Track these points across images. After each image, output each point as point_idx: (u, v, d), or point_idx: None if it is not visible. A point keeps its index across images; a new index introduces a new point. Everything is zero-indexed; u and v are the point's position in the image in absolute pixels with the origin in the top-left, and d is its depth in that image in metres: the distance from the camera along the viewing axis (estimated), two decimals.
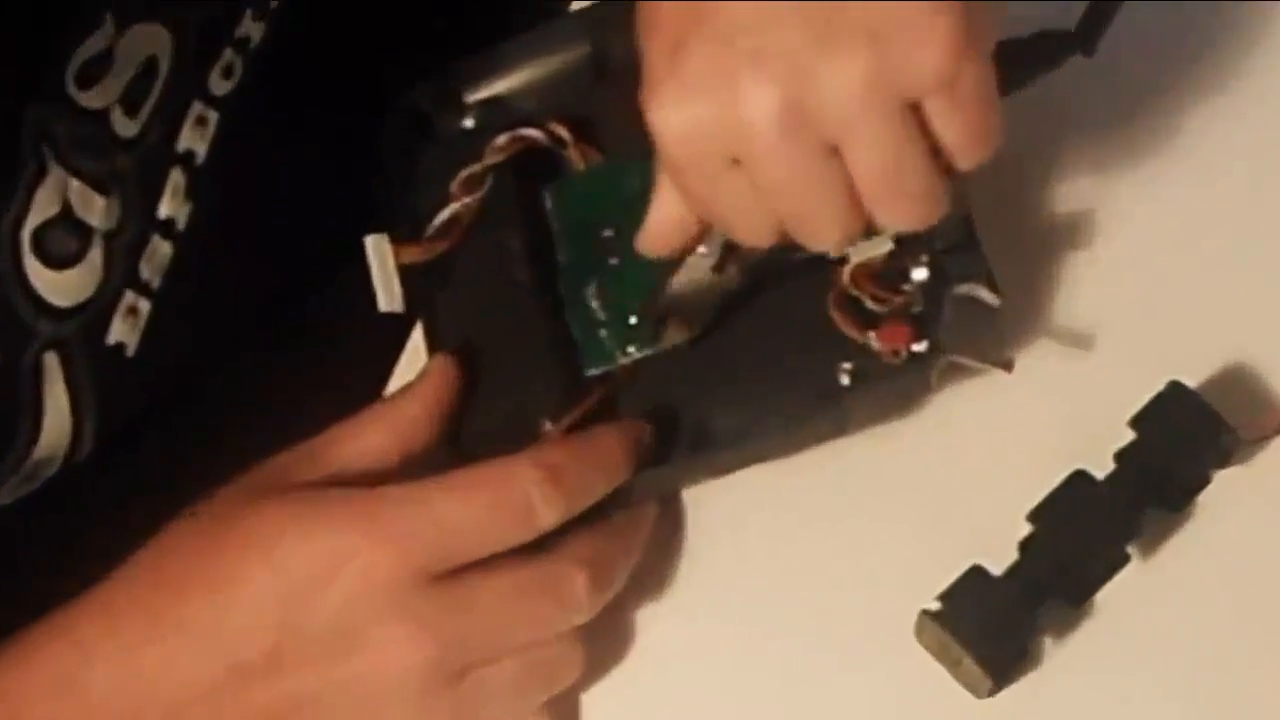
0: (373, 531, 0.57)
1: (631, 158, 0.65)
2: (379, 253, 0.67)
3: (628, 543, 0.63)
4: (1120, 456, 0.62)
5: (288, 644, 0.57)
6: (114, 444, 0.70)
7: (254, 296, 0.78)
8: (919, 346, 0.62)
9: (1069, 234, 0.71)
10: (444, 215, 0.69)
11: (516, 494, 0.57)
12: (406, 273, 0.68)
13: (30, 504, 0.67)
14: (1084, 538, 0.62)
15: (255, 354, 0.78)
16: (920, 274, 0.62)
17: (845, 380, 0.63)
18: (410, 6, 0.81)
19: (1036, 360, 0.67)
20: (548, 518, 0.57)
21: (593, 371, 0.66)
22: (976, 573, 0.59)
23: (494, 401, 0.66)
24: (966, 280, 0.62)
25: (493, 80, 0.75)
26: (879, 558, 0.65)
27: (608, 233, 0.69)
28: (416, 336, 0.71)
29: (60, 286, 0.65)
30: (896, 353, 0.62)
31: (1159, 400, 0.63)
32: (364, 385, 0.71)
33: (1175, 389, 0.63)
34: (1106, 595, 0.62)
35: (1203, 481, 0.63)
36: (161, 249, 0.69)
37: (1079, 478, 0.61)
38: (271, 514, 0.58)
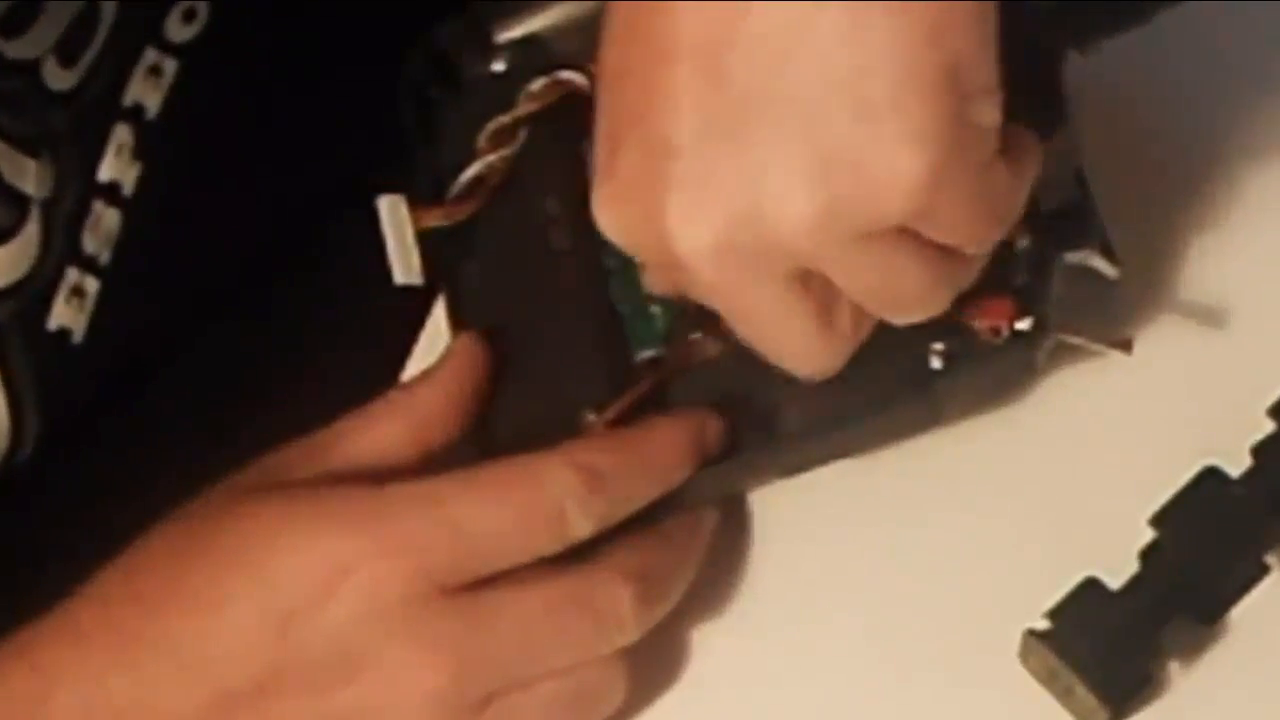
0: (380, 537, 0.53)
1: None
2: (395, 217, 0.62)
3: (683, 553, 0.58)
4: (1258, 451, 0.58)
5: (282, 670, 0.53)
6: (61, 442, 0.67)
7: (224, 271, 0.74)
8: (1023, 324, 0.57)
9: (1201, 194, 0.66)
10: (470, 173, 0.65)
11: (548, 498, 0.53)
12: (426, 239, 0.62)
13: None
14: (1216, 545, 0.57)
15: (232, 337, 0.75)
16: (1024, 240, 0.57)
17: (938, 363, 0.58)
18: None
19: (1160, 341, 0.62)
20: (583, 527, 0.53)
21: (644, 354, 0.61)
22: (1091, 586, 0.55)
23: (527, 389, 0.61)
24: (1079, 247, 0.58)
25: (526, 17, 0.69)
26: (976, 570, 0.60)
27: None
28: (438, 313, 0.67)
29: None
30: (997, 331, 0.57)
31: None
32: (376, 370, 0.66)
33: None
34: (1242, 612, 0.57)
35: None
36: (107, 217, 0.66)
37: (1210, 476, 0.57)
38: (264, 517, 0.55)
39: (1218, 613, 0.57)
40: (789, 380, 0.58)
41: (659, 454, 0.56)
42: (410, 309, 0.67)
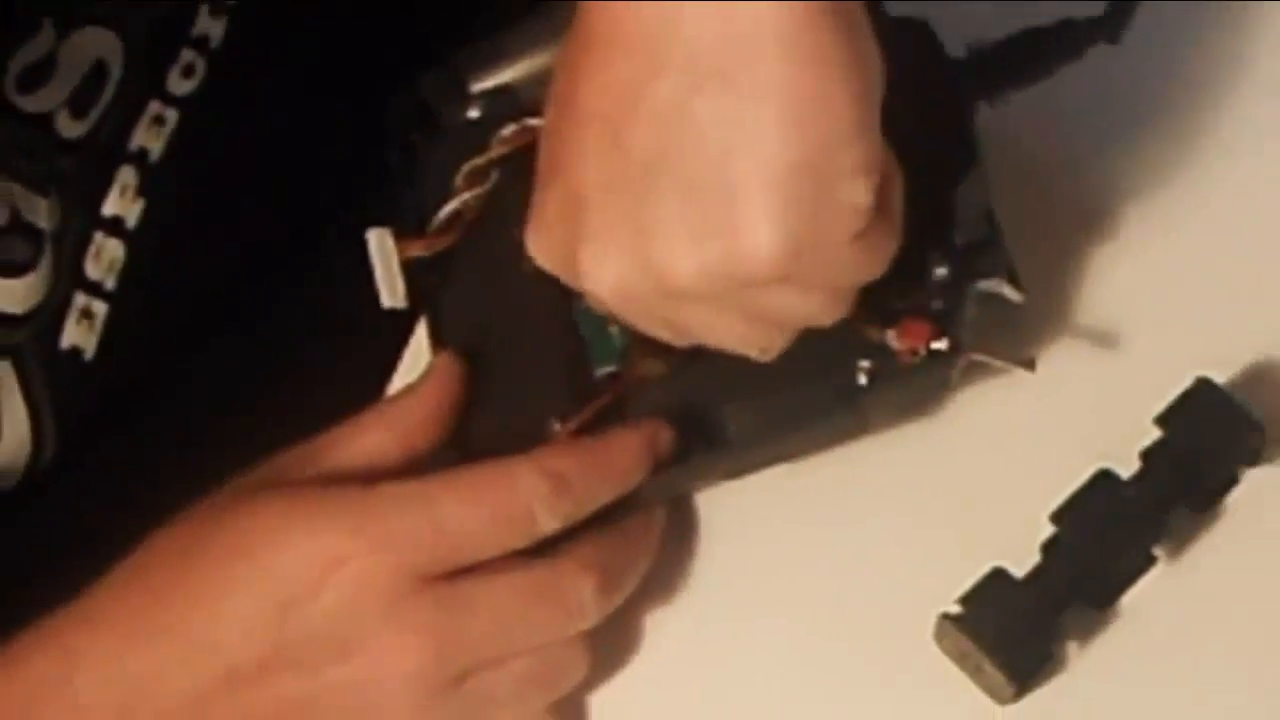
0: (368, 532, 0.57)
1: None
2: (382, 248, 0.66)
3: (638, 547, 0.63)
4: (1146, 455, 0.62)
5: (281, 651, 0.57)
6: (78, 450, 0.70)
7: (223, 295, 0.78)
8: (939, 345, 0.61)
9: (1094, 227, 0.71)
10: (448, 209, 0.69)
11: (518, 499, 0.57)
12: (410, 268, 0.67)
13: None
14: (1109, 539, 0.61)
15: (234, 353, 0.78)
16: (940, 270, 0.62)
17: (863, 380, 0.63)
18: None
19: (1060, 358, 0.67)
20: (549, 525, 0.57)
21: (603, 370, 0.65)
22: (998, 576, 0.59)
23: (500, 401, 0.66)
24: (988, 276, 0.62)
25: (499, 68, 0.72)
26: (897, 561, 0.64)
27: None
28: (420, 334, 0.71)
29: (12, 294, 0.66)
30: (915, 351, 0.61)
31: (1186, 397, 0.63)
32: (365, 385, 0.71)
33: (1203, 386, 0.63)
34: (1132, 599, 0.61)
35: (1231, 481, 0.63)
36: (108, 248, 0.70)
37: (1103, 477, 0.61)
38: (262, 514, 0.58)
39: (1110, 599, 0.61)
40: (732, 395, 0.63)
41: (617, 460, 0.60)
42: (395, 330, 0.71)
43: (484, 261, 0.69)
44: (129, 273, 0.71)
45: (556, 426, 0.62)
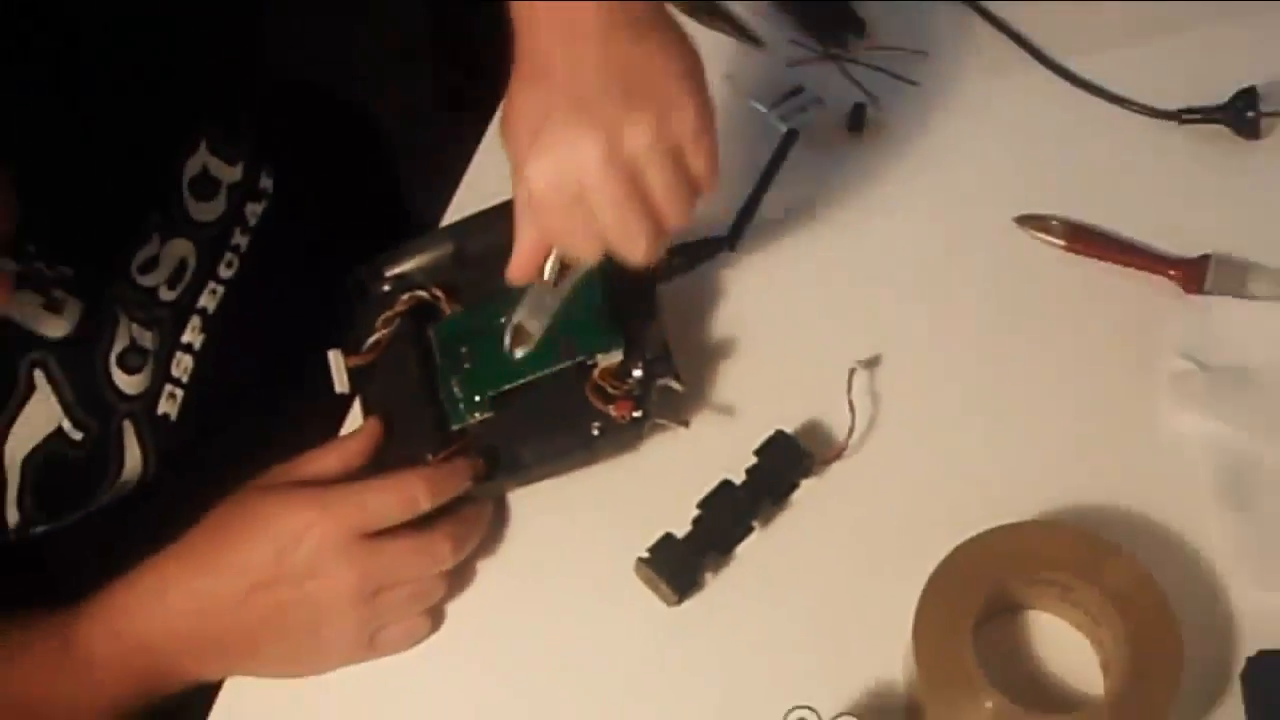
0: (327, 511, 0.78)
1: (476, 308, 0.92)
2: (337, 360, 0.91)
3: (475, 525, 0.86)
4: (749, 471, 0.88)
5: (278, 575, 0.78)
6: (166, 471, 0.92)
7: (251, 388, 0.97)
8: (636, 414, 0.87)
9: (719, 351, 0.98)
10: (371, 340, 0.93)
11: (408, 492, 0.81)
12: (352, 372, 0.92)
13: (118, 507, 0.90)
14: (729, 517, 0.87)
15: (256, 417, 0.98)
16: (637, 373, 0.88)
17: (596, 433, 0.88)
18: (347, 229, 1.01)
19: (702, 419, 0.93)
20: (425, 506, 0.80)
21: (454, 427, 0.90)
22: (668, 537, 0.85)
23: (399, 442, 0.88)
24: (663, 377, 0.88)
25: (399, 264, 0.98)
26: (615, 531, 0.88)
27: (464, 349, 0.92)
28: (355, 408, 0.95)
29: (131, 384, 0.88)
30: (624, 417, 0.87)
31: (771, 440, 0.89)
32: (326, 430, 0.93)
33: (780, 434, 0.89)
34: (741, 549, 0.88)
35: (794, 485, 0.89)
36: (184, 360, 0.92)
37: (726, 484, 0.87)
38: (267, 501, 0.80)
39: (729, 549, 0.87)
40: (524, 440, 0.88)
41: (456, 476, 0.84)
42: (343, 405, 0.94)
43: (391, 366, 0.93)
44: (196, 373, 0.93)
45: (429, 457, 0.87)
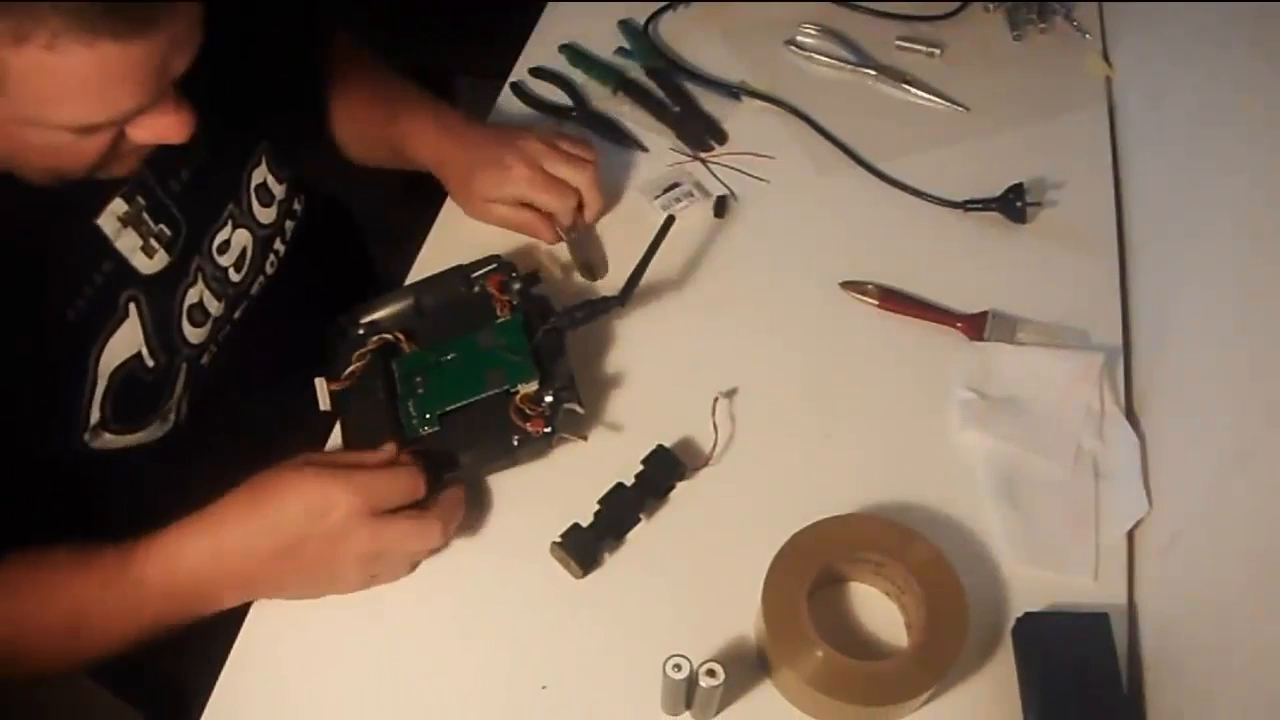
0: (353, 489, 0.79)
1: (429, 348, 0.96)
2: (321, 386, 0.93)
3: (455, 511, 0.87)
4: (638, 476, 0.91)
5: (311, 533, 0.79)
6: (190, 426, 0.94)
7: (260, 365, 0.99)
8: (546, 430, 0.89)
9: (613, 383, 1.00)
10: (348, 370, 0.95)
11: (413, 482, 0.83)
12: (333, 394, 0.94)
13: (148, 460, 0.90)
14: (622, 510, 0.89)
15: (261, 390, 1.00)
16: (548, 399, 0.90)
17: (515, 443, 0.90)
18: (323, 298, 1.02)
19: (601, 435, 0.96)
20: (422, 493, 0.83)
21: (409, 438, 0.91)
22: (575, 526, 0.87)
23: (370, 448, 0.87)
24: (569, 402, 0.90)
25: (371, 313, 1.01)
26: (533, 522, 0.89)
27: (418, 379, 0.95)
28: (337, 429, 0.96)
29: (194, 334, 0.91)
30: (537, 432, 0.89)
31: (653, 452, 0.92)
32: (314, 443, 0.94)
33: (660, 447, 0.92)
34: (631, 535, 0.90)
35: (672, 487, 0.92)
36: (228, 330, 0.97)
37: (619, 485, 0.90)
38: (309, 475, 0.80)
39: (622, 534, 0.89)
40: (464, 448, 0.89)
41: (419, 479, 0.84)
42: (327, 424, 0.95)
43: (363, 391, 0.95)
44: (229, 340, 0.98)
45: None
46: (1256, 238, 0.85)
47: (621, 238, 1.08)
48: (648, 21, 1.33)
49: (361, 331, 1.00)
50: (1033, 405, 0.97)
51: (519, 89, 1.26)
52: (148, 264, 0.85)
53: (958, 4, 1.34)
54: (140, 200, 0.83)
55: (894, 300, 1.04)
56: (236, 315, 0.97)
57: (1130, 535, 0.90)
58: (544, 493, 0.92)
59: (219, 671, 0.83)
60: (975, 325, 1.02)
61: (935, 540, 0.83)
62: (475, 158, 1.02)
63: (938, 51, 1.29)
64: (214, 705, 0.82)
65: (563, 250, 1.07)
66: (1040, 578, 0.87)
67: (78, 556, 0.80)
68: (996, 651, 0.84)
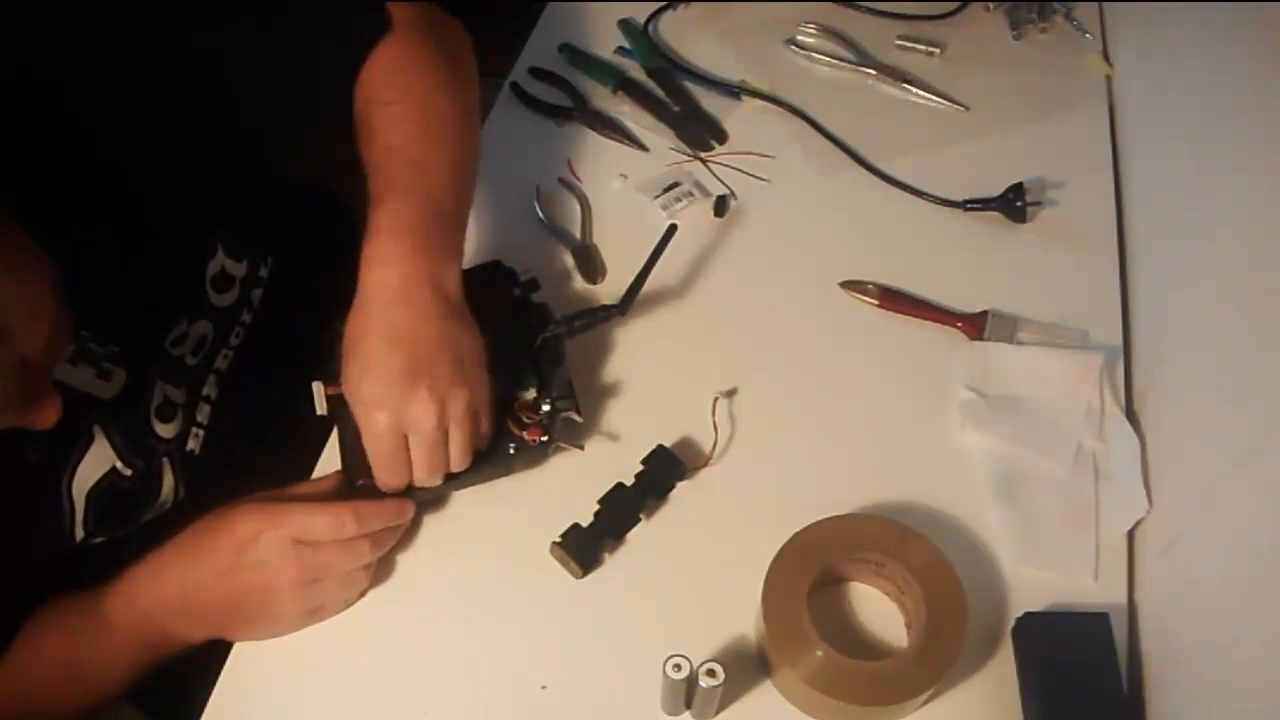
0: (275, 520, 0.80)
1: None
2: (318, 390, 0.90)
3: (390, 532, 0.87)
4: (637, 476, 0.90)
5: (238, 564, 0.80)
6: (193, 492, 0.94)
7: (252, 425, 0.99)
8: (543, 439, 0.89)
9: (614, 386, 0.99)
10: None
11: (339, 520, 0.82)
12: (329, 399, 0.90)
13: (155, 522, 0.90)
14: (622, 510, 0.89)
15: (257, 447, 0.98)
16: (546, 406, 0.89)
17: (511, 451, 0.89)
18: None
19: (602, 436, 0.95)
20: (351, 532, 0.82)
21: None
22: (575, 526, 0.87)
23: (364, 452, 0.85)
24: (566, 410, 0.90)
25: None
26: (534, 522, 0.89)
27: None
28: (331, 442, 0.95)
29: (167, 429, 0.89)
30: (534, 441, 0.88)
31: (653, 452, 0.92)
32: (305, 468, 0.92)
33: (660, 447, 0.92)
34: (631, 535, 0.90)
35: (672, 486, 0.91)
36: (205, 408, 0.95)
37: (619, 485, 0.90)
38: (238, 511, 0.81)
39: (622, 535, 0.89)
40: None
41: (383, 515, 0.85)
42: (319, 440, 0.93)
43: None
44: (213, 417, 0.95)
45: (360, 482, 0.87)
46: (1257, 237, 0.85)
47: (622, 239, 1.08)
48: (648, 21, 1.33)
49: None
50: (1033, 405, 0.97)
51: (519, 89, 1.26)
52: (106, 388, 0.84)
53: (958, 4, 1.34)
54: (84, 333, 0.80)
55: (894, 300, 1.05)
56: (206, 392, 0.95)
57: (1130, 535, 0.90)
58: (544, 492, 0.92)
59: (220, 669, 0.83)
60: (975, 325, 1.02)
61: (935, 540, 0.83)
62: (374, 341, 0.82)
63: (938, 51, 1.29)
64: (215, 704, 0.82)
65: (563, 252, 1.07)
66: (1040, 578, 0.87)
67: (58, 607, 0.81)
68: (996, 651, 0.84)
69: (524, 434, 0.88)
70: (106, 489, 0.85)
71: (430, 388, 0.78)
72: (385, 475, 0.83)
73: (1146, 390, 0.97)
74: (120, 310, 0.82)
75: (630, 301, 0.93)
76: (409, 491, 0.86)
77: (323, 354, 0.90)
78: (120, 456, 0.85)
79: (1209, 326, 0.89)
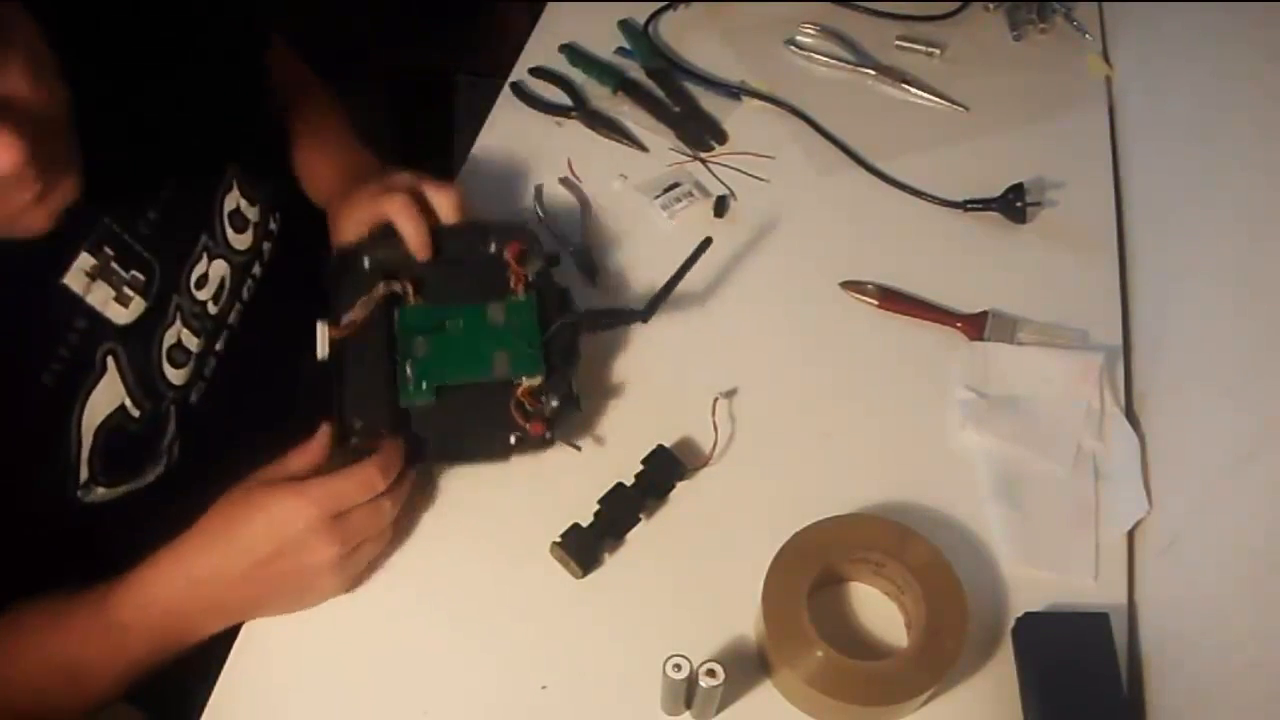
0: (310, 500, 0.79)
1: (437, 307, 0.92)
2: (322, 331, 0.88)
3: (404, 485, 0.86)
4: (637, 476, 0.90)
5: (276, 551, 0.79)
6: (187, 459, 0.91)
7: (252, 387, 0.98)
8: (547, 435, 0.89)
9: (616, 387, 0.99)
10: (348, 317, 0.89)
11: (369, 480, 0.81)
12: (333, 342, 0.88)
13: (147, 498, 0.88)
14: (622, 510, 0.89)
15: (255, 412, 0.95)
16: (554, 402, 0.88)
17: (513, 442, 0.89)
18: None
19: (602, 435, 0.95)
20: (381, 488, 0.81)
21: (401, 403, 0.88)
22: (575, 526, 0.87)
23: (362, 406, 0.86)
24: (571, 409, 0.89)
25: (382, 247, 0.94)
26: (534, 522, 0.88)
27: (419, 338, 0.90)
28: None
29: (177, 376, 0.89)
30: (538, 435, 0.88)
31: (653, 452, 0.91)
32: (306, 427, 0.87)
33: (660, 447, 0.91)
34: (631, 535, 0.90)
35: (672, 486, 0.91)
36: (212, 362, 0.94)
37: (619, 485, 0.89)
38: (266, 493, 0.80)
39: (622, 534, 0.89)
40: (454, 432, 0.87)
41: (397, 458, 0.83)
42: (317, 414, 0.87)
43: (362, 346, 0.89)
44: (217, 372, 0.94)
45: (353, 441, 0.85)
46: (1257, 237, 0.85)
47: (622, 239, 1.08)
48: (648, 21, 1.33)
49: (368, 265, 0.94)
50: (1032, 405, 0.97)
51: (519, 89, 1.26)
52: (123, 314, 0.84)
53: (958, 4, 1.34)
54: (108, 251, 0.82)
55: (894, 300, 1.05)
56: (219, 347, 0.96)
57: (1130, 535, 0.90)
58: (544, 492, 0.91)
59: (220, 668, 0.83)
60: (975, 325, 1.02)
61: (935, 540, 0.83)
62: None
63: (938, 51, 1.29)
64: (215, 704, 0.82)
65: (563, 252, 1.07)
66: (1040, 578, 0.87)
67: (58, 608, 0.80)
68: (996, 651, 0.84)
69: (527, 425, 0.87)
70: (114, 428, 0.84)
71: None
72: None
73: (1146, 390, 0.97)
74: (143, 233, 0.84)
75: (655, 308, 0.92)
76: (412, 458, 0.87)
77: (329, 284, 0.89)
78: (130, 394, 0.85)
79: (1209, 326, 0.89)
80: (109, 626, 0.79)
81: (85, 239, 0.80)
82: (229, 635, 0.84)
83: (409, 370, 0.88)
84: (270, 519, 0.79)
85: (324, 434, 0.84)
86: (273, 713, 0.82)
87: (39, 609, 0.80)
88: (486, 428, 0.88)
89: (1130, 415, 0.96)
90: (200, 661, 0.83)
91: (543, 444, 0.88)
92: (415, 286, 0.92)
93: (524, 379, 0.88)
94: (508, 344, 0.89)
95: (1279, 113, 0.87)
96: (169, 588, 0.79)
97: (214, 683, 0.83)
